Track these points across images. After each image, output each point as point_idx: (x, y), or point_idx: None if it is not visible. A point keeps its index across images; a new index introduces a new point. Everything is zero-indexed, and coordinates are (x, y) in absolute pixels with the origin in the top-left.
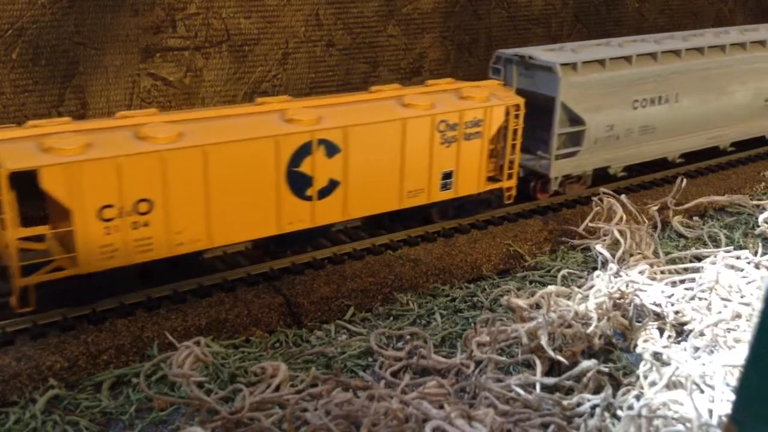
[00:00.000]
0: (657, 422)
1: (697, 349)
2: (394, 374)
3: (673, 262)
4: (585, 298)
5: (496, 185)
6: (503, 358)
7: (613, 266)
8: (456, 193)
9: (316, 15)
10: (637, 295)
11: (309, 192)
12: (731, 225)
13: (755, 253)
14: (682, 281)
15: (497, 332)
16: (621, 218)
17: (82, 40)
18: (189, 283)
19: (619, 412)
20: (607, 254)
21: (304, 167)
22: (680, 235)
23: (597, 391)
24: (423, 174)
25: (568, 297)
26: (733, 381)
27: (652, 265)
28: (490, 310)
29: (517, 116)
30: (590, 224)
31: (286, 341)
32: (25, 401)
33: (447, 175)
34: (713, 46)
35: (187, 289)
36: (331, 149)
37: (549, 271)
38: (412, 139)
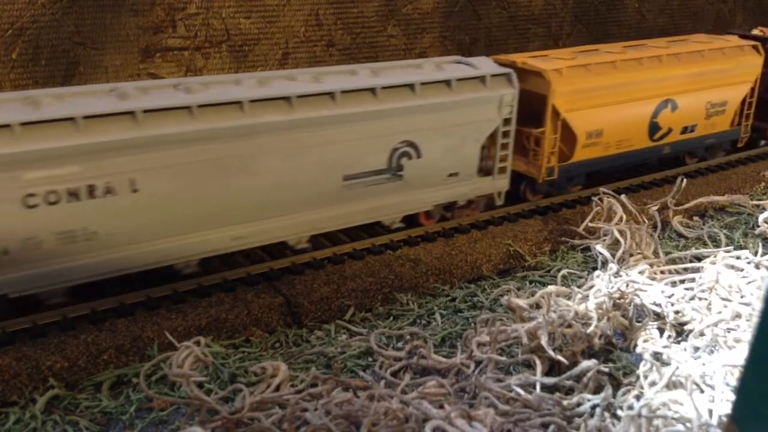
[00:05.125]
0: (657, 422)
1: (697, 349)
2: (394, 374)
3: (673, 262)
4: (585, 298)
5: None
6: (503, 358)
7: (613, 266)
8: None
9: (316, 15)
10: (637, 295)
11: None
12: (731, 225)
13: (755, 253)
14: (682, 281)
15: (497, 332)
16: (621, 218)
17: (82, 40)
18: (189, 283)
19: (619, 412)
20: (607, 254)
21: None
22: (680, 235)
23: (597, 391)
24: None
25: (568, 297)
26: (733, 381)
27: (652, 265)
28: (490, 310)
29: None
30: (590, 224)
31: (286, 341)
32: (25, 401)
33: None
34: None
35: (187, 289)
36: None
37: (549, 271)
38: None
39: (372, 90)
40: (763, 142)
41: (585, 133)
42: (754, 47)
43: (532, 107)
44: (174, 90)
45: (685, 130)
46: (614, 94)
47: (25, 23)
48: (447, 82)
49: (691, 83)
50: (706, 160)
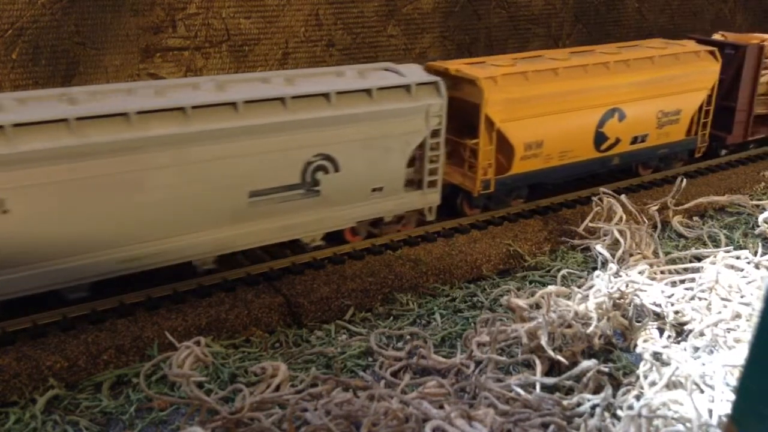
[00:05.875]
0: (657, 422)
1: (697, 349)
2: (394, 374)
3: (673, 262)
4: (585, 298)
5: None
6: (503, 358)
7: (613, 266)
8: None
9: (316, 15)
10: (637, 295)
11: None
12: (731, 225)
13: (755, 253)
14: (682, 281)
15: (497, 332)
16: (621, 218)
17: (82, 40)
18: (189, 283)
19: (619, 412)
20: (607, 254)
21: None
22: (680, 235)
23: (597, 391)
24: None
25: (568, 297)
26: (733, 381)
27: (652, 265)
28: (490, 310)
29: None
30: (590, 224)
31: (286, 341)
32: (25, 401)
33: None
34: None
35: (187, 289)
36: None
37: (549, 271)
38: None
39: (281, 100)
40: (723, 152)
41: (523, 144)
42: (711, 53)
43: (469, 117)
44: (57, 101)
45: (635, 140)
46: (555, 103)
47: (25, 23)
48: (367, 91)
49: (641, 91)
50: (661, 171)
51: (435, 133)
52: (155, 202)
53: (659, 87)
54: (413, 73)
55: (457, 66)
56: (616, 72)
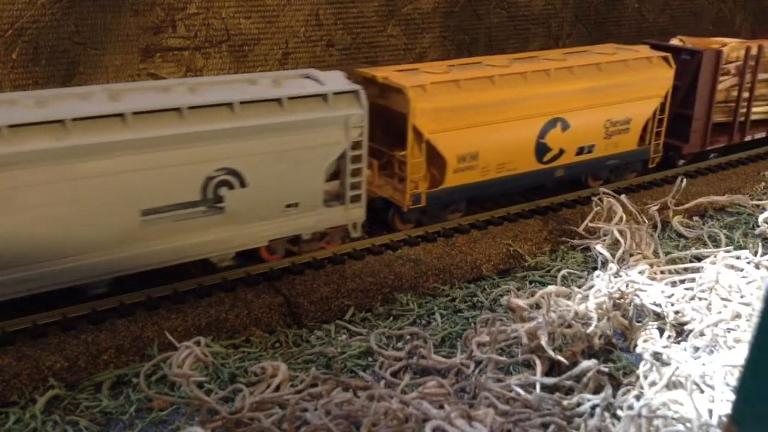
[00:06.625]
0: (657, 422)
1: (697, 349)
2: (394, 374)
3: (673, 262)
4: (585, 298)
5: None
6: (503, 358)
7: (613, 266)
8: None
9: (316, 15)
10: (637, 295)
11: None
12: (731, 225)
13: (755, 253)
14: (682, 281)
15: (497, 332)
16: (621, 218)
17: (82, 40)
18: (189, 283)
19: (619, 412)
20: (607, 254)
21: None
22: (680, 235)
23: (597, 391)
24: None
25: (568, 297)
26: (733, 381)
27: (652, 265)
28: (490, 310)
29: None
30: (590, 224)
31: (286, 341)
32: (25, 401)
33: None
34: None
35: (187, 289)
36: None
37: (549, 271)
38: None
39: (177, 110)
40: (681, 162)
41: (456, 156)
42: (664, 59)
43: (399, 128)
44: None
45: (581, 151)
46: (491, 113)
47: (25, 23)
48: (277, 101)
49: (586, 99)
50: (613, 182)
51: (356, 145)
52: (29, 224)
53: (607, 95)
54: (333, 81)
55: (385, 73)
56: (558, 79)
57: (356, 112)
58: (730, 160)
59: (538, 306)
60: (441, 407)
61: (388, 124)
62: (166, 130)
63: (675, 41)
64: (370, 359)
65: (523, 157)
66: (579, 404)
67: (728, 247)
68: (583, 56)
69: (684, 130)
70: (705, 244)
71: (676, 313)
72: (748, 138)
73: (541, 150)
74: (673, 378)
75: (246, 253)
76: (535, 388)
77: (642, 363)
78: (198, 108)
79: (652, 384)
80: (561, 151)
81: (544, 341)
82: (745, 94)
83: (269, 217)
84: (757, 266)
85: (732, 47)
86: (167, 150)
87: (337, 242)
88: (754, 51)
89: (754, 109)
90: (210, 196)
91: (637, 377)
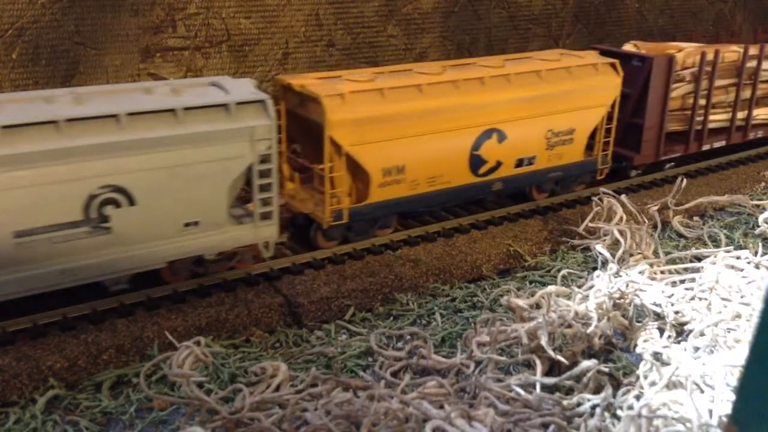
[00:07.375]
0: (657, 422)
1: (697, 349)
2: (394, 374)
3: (673, 262)
4: (585, 298)
5: None
6: (503, 358)
7: (613, 266)
8: None
9: (316, 15)
10: (637, 295)
11: None
12: (731, 225)
13: (755, 253)
14: (682, 281)
15: (497, 332)
16: (621, 218)
17: (82, 40)
18: (189, 283)
19: (619, 412)
20: (607, 254)
21: None
22: (680, 235)
23: (597, 391)
24: None
25: (568, 297)
26: (733, 381)
27: (652, 265)
28: (490, 310)
29: None
30: (590, 224)
31: (286, 341)
32: (25, 401)
33: None
34: None
35: (187, 289)
36: None
37: (549, 271)
38: None
39: (53, 123)
40: (634, 173)
41: (380, 170)
42: (612, 65)
43: (318, 139)
44: None
45: (521, 164)
46: (419, 124)
47: (25, 23)
48: (171, 112)
49: (525, 109)
50: (559, 195)
51: (265, 159)
52: None
53: (548, 104)
54: (240, 90)
55: (303, 81)
56: (493, 88)
57: (263, 124)
58: (731, 160)
59: (538, 306)
60: (441, 407)
61: (310, 135)
62: (41, 145)
63: (628, 46)
64: (370, 359)
65: (456, 170)
66: (579, 404)
67: (728, 247)
68: (523, 63)
69: (636, 139)
70: (705, 244)
71: (676, 313)
72: (705, 147)
73: (475, 162)
74: (673, 378)
75: (145, 275)
76: (535, 388)
77: (642, 363)
78: (78, 120)
79: (652, 384)
80: (498, 164)
81: (544, 341)
82: (702, 102)
83: (165, 237)
84: (757, 266)
85: (688, 53)
86: (42, 167)
87: (250, 262)
88: (710, 57)
89: (712, 117)
90: (94, 216)
91: (637, 377)
